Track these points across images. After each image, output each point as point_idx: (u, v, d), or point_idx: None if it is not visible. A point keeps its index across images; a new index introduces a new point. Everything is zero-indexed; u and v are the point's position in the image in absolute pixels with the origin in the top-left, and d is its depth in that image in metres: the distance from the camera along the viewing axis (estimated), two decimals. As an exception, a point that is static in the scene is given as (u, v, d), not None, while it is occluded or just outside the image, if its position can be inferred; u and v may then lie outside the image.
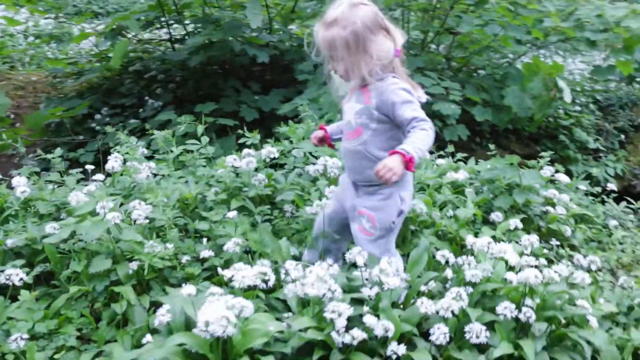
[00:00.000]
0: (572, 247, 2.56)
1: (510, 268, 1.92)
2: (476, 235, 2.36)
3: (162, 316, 1.53)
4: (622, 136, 5.60)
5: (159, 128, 4.23)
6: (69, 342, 1.68)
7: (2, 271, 1.74)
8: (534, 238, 1.93)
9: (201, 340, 1.45)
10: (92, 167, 2.55)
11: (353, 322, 1.54)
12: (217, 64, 4.83)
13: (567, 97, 4.01)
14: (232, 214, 2.06)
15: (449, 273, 1.77)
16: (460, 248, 2.26)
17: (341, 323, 1.49)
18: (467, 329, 1.56)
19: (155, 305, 1.83)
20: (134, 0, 7.14)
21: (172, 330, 1.55)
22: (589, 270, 2.11)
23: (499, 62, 5.52)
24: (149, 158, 2.66)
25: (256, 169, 2.39)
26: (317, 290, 1.56)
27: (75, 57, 5.24)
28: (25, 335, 1.55)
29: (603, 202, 3.10)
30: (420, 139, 1.63)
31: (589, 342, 1.79)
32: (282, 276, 1.72)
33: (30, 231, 2.00)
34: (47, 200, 2.19)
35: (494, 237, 2.18)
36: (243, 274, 1.62)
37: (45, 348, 1.65)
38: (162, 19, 4.20)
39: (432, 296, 1.76)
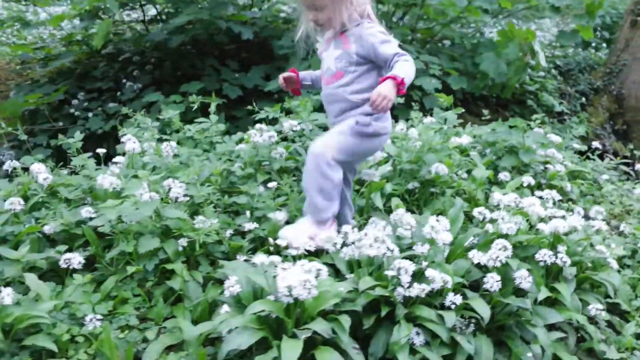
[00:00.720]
0: (570, 201, 2.77)
1: (528, 222, 2.08)
2: (486, 194, 2.53)
3: (232, 287, 1.59)
4: (583, 99, 5.94)
5: (142, 110, 4.19)
6: (130, 321, 1.71)
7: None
8: (554, 193, 2.09)
9: (278, 305, 1.52)
10: (104, 150, 2.52)
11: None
12: (192, 43, 4.76)
13: (543, 61, 4.23)
14: (272, 184, 2.12)
15: (489, 227, 1.90)
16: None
17: (406, 279, 1.60)
18: (516, 275, 1.70)
19: (206, 280, 1.89)
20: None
21: (241, 300, 1.61)
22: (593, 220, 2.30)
23: (465, 32, 5.70)
24: (159, 140, 2.65)
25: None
26: (377, 250, 1.66)
27: (39, 42, 5.01)
28: (99, 317, 1.57)
29: (588, 158, 3.34)
30: (405, 67, 1.77)
31: (608, 283, 1.98)
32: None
33: (66, 216, 1.98)
34: (73, 186, 2.16)
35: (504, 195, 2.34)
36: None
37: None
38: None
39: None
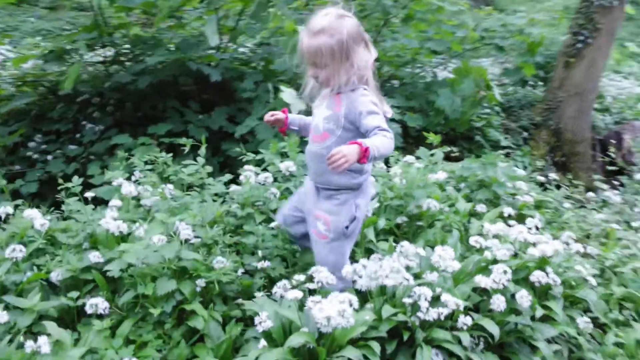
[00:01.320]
0: (537, 228, 3.06)
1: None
2: (465, 226, 2.77)
3: (264, 322, 1.69)
4: (525, 133, 6.47)
5: (106, 152, 4.19)
6: (156, 363, 1.76)
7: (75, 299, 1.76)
8: (537, 220, 2.35)
9: (312, 336, 1.64)
10: (92, 194, 2.55)
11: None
12: (153, 85, 4.83)
13: (497, 95, 4.65)
14: (274, 224, 2.24)
15: (488, 255, 2.11)
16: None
17: (425, 304, 1.77)
18: (517, 295, 1.91)
19: (224, 318, 1.97)
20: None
21: (271, 335, 1.71)
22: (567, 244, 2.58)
23: (414, 72, 6.13)
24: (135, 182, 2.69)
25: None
26: (394, 280, 1.82)
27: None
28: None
29: (545, 189, 3.70)
30: (379, 141, 1.77)
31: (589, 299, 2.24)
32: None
33: (72, 262, 2.01)
34: (72, 231, 2.19)
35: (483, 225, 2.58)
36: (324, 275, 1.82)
37: (137, 373, 1.72)
38: (103, 39, 4.14)
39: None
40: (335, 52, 1.85)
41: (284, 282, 1.82)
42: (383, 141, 1.79)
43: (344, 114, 1.93)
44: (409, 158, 3.03)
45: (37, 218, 2.17)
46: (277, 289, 1.82)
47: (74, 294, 1.91)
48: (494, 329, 1.84)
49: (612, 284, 2.48)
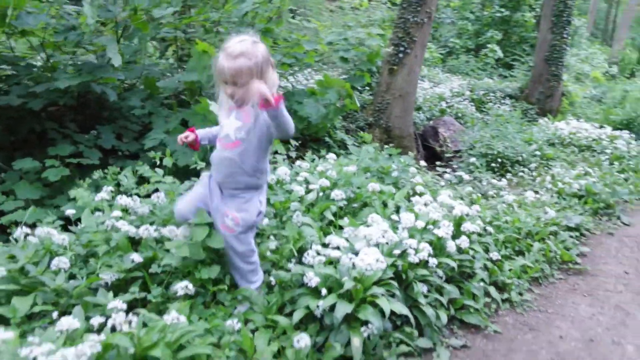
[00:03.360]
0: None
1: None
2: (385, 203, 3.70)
3: (313, 279, 2.36)
4: (361, 133, 7.76)
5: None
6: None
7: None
8: (446, 195, 3.39)
9: (354, 282, 2.36)
10: (73, 211, 2.84)
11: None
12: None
13: (357, 103, 5.72)
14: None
15: (433, 216, 3.05)
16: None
17: (412, 252, 2.62)
18: (458, 241, 2.89)
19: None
20: None
21: (317, 288, 2.39)
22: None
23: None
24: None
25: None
26: (386, 239, 2.63)
27: None
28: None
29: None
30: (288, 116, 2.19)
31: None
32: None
33: (119, 264, 2.39)
34: (97, 240, 2.53)
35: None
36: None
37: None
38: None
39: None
40: (252, 73, 2.19)
41: (311, 251, 2.51)
42: (289, 117, 2.22)
43: (254, 125, 2.30)
44: (332, 155, 3.86)
45: (54, 234, 2.47)
46: (307, 257, 2.50)
47: (134, 289, 2.31)
48: (453, 264, 2.79)
49: (496, 233, 3.64)
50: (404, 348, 2.40)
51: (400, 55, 7.54)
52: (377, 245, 2.60)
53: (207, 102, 4.40)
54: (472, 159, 5.76)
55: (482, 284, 3.00)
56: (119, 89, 5.18)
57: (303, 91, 6.15)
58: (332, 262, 2.55)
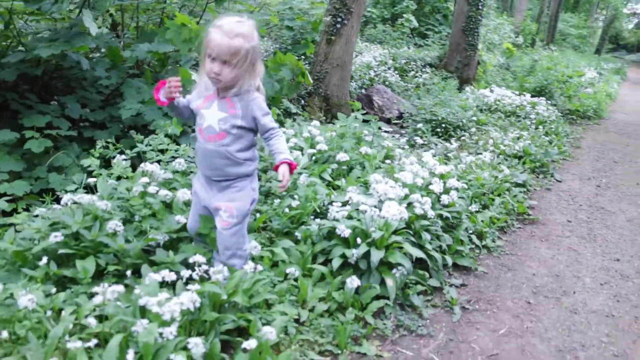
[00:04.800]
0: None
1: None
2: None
3: (345, 231, 2.73)
4: (302, 101, 8.10)
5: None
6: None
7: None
8: (429, 155, 3.86)
9: (381, 231, 2.77)
10: (94, 179, 3.00)
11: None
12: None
13: (310, 79, 6.04)
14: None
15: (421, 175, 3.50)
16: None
17: (419, 205, 3.06)
18: (451, 194, 3.37)
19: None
20: None
21: (347, 239, 2.76)
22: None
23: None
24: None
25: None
26: (395, 194, 3.05)
27: None
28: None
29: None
30: (284, 145, 2.31)
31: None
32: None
33: (169, 225, 2.62)
34: (140, 204, 2.74)
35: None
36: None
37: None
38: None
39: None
40: (248, 56, 2.17)
41: (334, 206, 2.88)
42: (284, 142, 2.34)
43: (241, 116, 2.27)
44: (315, 123, 4.20)
45: (97, 200, 2.64)
46: (332, 211, 2.87)
47: (188, 248, 2.56)
48: (448, 215, 3.27)
49: (468, 189, 4.17)
50: (420, 287, 2.85)
51: (338, 25, 7.91)
52: (389, 199, 3.02)
53: (187, 72, 4.54)
54: (419, 125, 6.31)
55: (466, 232, 3.51)
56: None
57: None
58: (351, 217, 2.93)
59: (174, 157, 3.28)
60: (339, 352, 2.30)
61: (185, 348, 1.83)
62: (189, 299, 1.91)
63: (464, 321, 2.78)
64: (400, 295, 2.75)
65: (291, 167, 2.29)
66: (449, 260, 3.13)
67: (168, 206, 2.87)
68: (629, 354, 2.64)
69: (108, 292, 1.97)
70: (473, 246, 3.56)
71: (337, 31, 7.92)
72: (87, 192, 3.01)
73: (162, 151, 3.35)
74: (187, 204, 2.86)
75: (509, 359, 2.50)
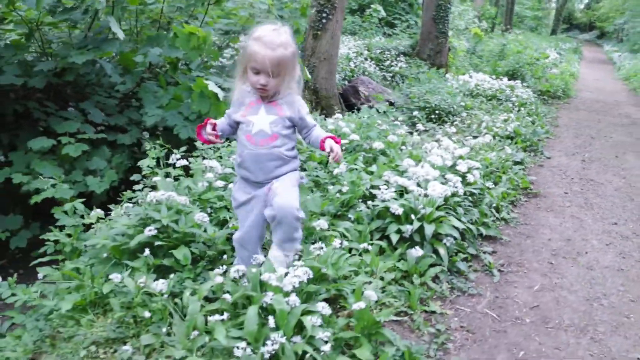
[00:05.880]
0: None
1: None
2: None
3: (398, 209, 3.14)
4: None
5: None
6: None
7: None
8: (448, 141, 4.29)
9: (428, 205, 3.18)
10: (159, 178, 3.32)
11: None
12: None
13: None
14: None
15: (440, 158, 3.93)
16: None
17: (454, 184, 3.50)
18: (472, 173, 3.82)
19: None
20: None
21: (400, 216, 3.17)
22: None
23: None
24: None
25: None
26: (432, 176, 3.47)
27: None
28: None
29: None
30: (323, 131, 2.49)
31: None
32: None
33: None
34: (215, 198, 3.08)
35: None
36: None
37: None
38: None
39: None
40: (288, 63, 2.30)
41: (382, 188, 3.28)
42: (322, 130, 2.52)
43: (289, 117, 2.41)
44: (337, 115, 4.58)
45: (174, 196, 2.96)
46: (381, 194, 3.27)
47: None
48: (475, 191, 3.71)
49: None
50: (461, 255, 3.28)
51: (324, 21, 8.27)
52: (426, 180, 3.44)
53: (203, 82, 4.84)
54: (415, 112, 6.75)
55: (487, 206, 3.96)
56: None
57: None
58: (396, 198, 3.34)
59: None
60: (412, 312, 2.71)
61: (309, 312, 2.20)
62: (303, 272, 2.28)
63: (503, 281, 3.23)
64: (448, 263, 3.17)
65: (335, 140, 2.40)
66: (482, 231, 3.58)
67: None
68: (644, 299, 3.15)
69: (232, 271, 2.33)
70: (494, 218, 4.02)
71: (322, 26, 8.28)
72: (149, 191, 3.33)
73: (218, 148, 3.67)
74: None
75: (548, 308, 2.96)
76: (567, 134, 7.58)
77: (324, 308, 2.17)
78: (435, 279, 3.05)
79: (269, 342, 1.99)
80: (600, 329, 2.81)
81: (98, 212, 3.23)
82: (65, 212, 3.76)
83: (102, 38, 4.51)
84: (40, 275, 2.82)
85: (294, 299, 2.17)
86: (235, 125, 2.50)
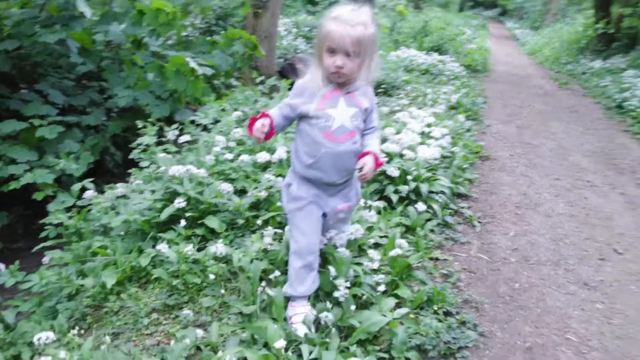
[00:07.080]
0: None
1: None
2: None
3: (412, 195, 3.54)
4: (236, 73, 8.60)
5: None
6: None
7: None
8: (417, 109, 4.72)
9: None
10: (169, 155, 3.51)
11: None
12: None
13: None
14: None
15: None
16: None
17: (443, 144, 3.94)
18: (441, 141, 4.28)
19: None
20: None
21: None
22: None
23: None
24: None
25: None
26: (414, 140, 3.89)
27: None
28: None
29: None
30: (378, 145, 2.21)
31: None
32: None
33: (264, 184, 3.25)
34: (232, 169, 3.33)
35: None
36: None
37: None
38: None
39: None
40: (369, 44, 2.05)
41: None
42: (379, 142, 2.24)
43: (366, 109, 2.18)
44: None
45: (193, 170, 3.19)
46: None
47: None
48: (448, 154, 4.18)
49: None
50: (447, 210, 3.74)
51: (264, -1, 8.47)
52: (411, 146, 3.86)
53: (181, 59, 4.97)
54: (364, 88, 7.16)
55: (457, 168, 4.45)
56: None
57: (205, 41, 6.81)
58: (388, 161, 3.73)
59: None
60: (421, 259, 3.13)
61: (358, 263, 2.55)
62: (355, 228, 2.64)
63: (484, 231, 3.73)
64: (440, 217, 3.62)
65: (377, 161, 2.14)
66: (461, 189, 4.07)
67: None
68: (595, 236, 3.75)
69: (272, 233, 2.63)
70: (462, 179, 4.52)
71: (263, 4, 8.48)
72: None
73: (217, 121, 3.90)
74: (267, 166, 3.49)
75: (526, 249, 3.49)
76: (496, 104, 8.30)
77: (375, 254, 2.52)
78: (431, 231, 3.49)
79: (340, 288, 2.26)
80: (570, 262, 3.36)
81: (114, 186, 3.38)
82: (52, 195, 3.82)
83: (68, 15, 4.49)
84: (45, 259, 2.90)
85: (344, 250, 2.48)
86: (294, 119, 2.22)
